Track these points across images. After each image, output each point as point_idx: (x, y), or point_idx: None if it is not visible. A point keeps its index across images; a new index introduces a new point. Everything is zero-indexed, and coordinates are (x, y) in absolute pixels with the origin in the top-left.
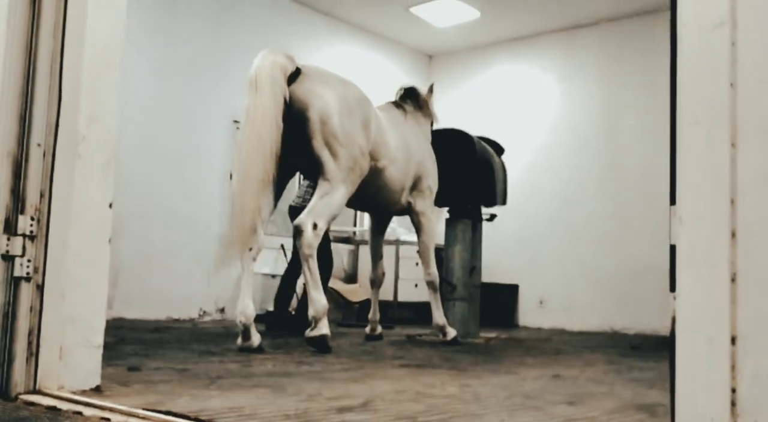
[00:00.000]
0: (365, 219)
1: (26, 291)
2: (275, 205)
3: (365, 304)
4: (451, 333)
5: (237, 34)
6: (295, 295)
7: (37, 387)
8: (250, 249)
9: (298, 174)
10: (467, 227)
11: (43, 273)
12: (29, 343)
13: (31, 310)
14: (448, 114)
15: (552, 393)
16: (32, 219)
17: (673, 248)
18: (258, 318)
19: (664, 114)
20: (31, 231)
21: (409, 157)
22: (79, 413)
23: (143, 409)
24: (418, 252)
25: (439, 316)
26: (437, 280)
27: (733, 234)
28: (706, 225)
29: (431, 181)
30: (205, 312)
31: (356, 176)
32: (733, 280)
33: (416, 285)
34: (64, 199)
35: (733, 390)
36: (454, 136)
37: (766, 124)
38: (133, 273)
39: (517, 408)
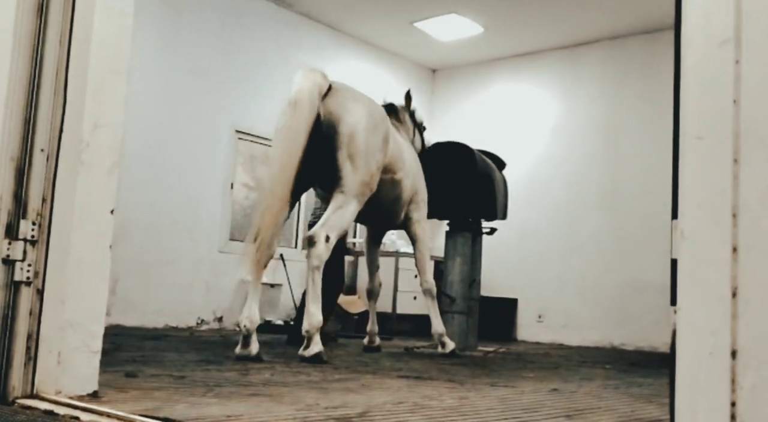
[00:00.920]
0: (365, 231)
1: (26, 295)
2: (288, 217)
3: (364, 315)
4: (450, 345)
5: (242, 45)
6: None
7: (34, 392)
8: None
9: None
10: (467, 240)
11: (44, 277)
12: (28, 348)
13: (30, 315)
14: (450, 127)
15: (550, 407)
16: (34, 223)
17: (674, 262)
18: (272, 329)
19: (664, 131)
20: (33, 236)
21: (411, 170)
22: (76, 418)
23: (140, 415)
24: (417, 262)
25: (437, 324)
26: (434, 288)
27: (735, 249)
28: (707, 240)
29: (424, 193)
30: (203, 320)
31: (368, 192)
32: (734, 295)
33: (415, 298)
34: (66, 205)
35: (733, 404)
36: (456, 149)
37: None
38: (132, 280)
39: (514, 421)
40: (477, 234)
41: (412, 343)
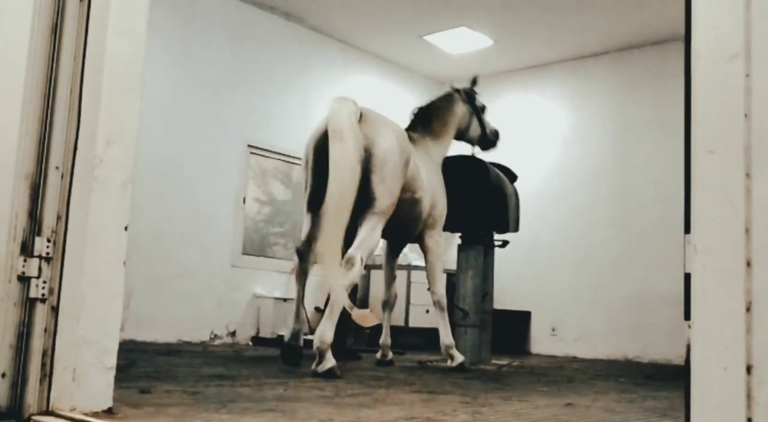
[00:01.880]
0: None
1: (41, 312)
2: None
3: (376, 329)
4: (458, 358)
5: (252, 59)
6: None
7: (50, 409)
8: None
9: None
10: (479, 253)
11: (58, 294)
12: (43, 364)
13: (45, 331)
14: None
15: None
16: (49, 241)
17: (687, 276)
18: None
19: (675, 143)
20: (48, 253)
21: (429, 187)
22: None
23: None
24: (427, 273)
25: (445, 336)
26: (443, 299)
27: (748, 263)
28: (720, 254)
29: (441, 207)
30: (216, 335)
31: (391, 212)
32: (748, 309)
33: (427, 311)
34: (81, 221)
35: (749, 420)
36: (468, 162)
37: None
38: (145, 295)
39: None
40: (489, 247)
41: (425, 357)
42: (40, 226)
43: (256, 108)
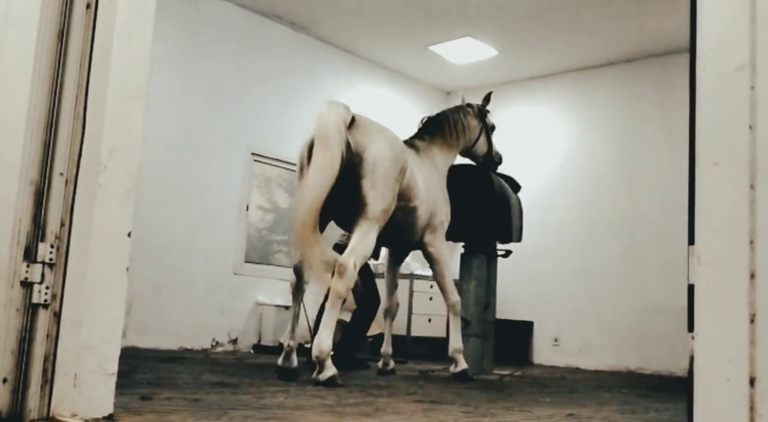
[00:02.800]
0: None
1: (43, 318)
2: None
3: (378, 338)
4: (462, 364)
5: (258, 68)
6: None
7: (50, 415)
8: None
9: None
10: (482, 263)
11: (61, 300)
12: (44, 370)
13: (47, 337)
14: None
15: None
16: (52, 246)
17: (691, 288)
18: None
19: (679, 153)
20: (51, 259)
21: (428, 196)
22: None
23: None
24: (437, 282)
25: (455, 341)
26: (458, 305)
27: (752, 275)
28: (724, 266)
29: (443, 216)
30: (217, 342)
31: (386, 218)
32: (752, 321)
33: (429, 320)
34: (84, 228)
35: None
36: (472, 171)
37: None
38: (147, 302)
39: None
40: (492, 257)
41: (427, 366)
42: (44, 232)
43: (260, 116)
